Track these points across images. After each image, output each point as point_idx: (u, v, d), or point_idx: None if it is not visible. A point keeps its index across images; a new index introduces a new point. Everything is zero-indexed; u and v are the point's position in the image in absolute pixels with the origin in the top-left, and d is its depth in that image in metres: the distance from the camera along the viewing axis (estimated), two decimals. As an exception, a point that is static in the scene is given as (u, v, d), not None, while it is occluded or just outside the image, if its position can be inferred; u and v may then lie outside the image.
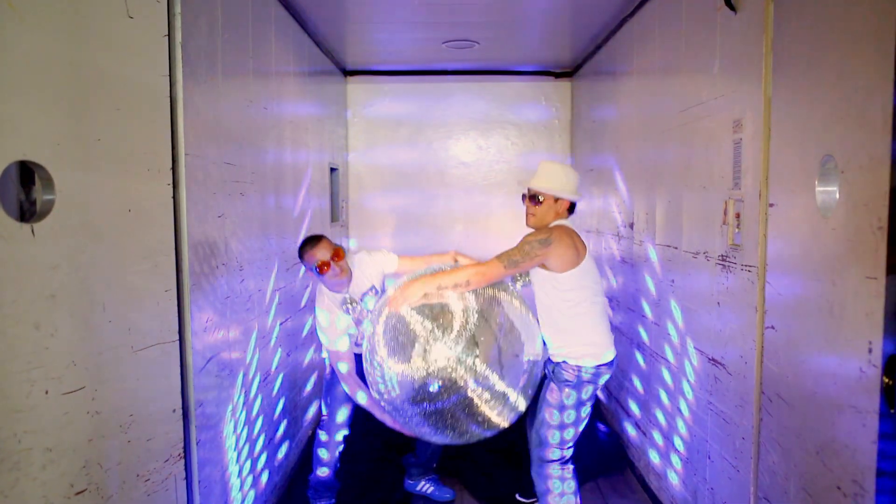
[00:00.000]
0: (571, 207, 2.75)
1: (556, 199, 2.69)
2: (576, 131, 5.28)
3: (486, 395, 2.47)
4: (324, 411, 3.19)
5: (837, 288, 1.66)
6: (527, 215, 2.76)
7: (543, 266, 2.59)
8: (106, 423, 1.76)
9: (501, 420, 2.59)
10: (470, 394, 2.43)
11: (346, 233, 5.30)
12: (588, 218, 4.77)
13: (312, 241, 2.90)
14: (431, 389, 2.41)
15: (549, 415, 2.66)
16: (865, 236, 1.54)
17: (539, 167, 2.79)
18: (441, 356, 2.39)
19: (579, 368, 2.61)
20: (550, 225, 2.67)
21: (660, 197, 3.19)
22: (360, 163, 5.41)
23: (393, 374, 2.44)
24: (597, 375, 2.64)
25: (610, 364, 2.68)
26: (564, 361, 2.63)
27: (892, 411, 1.38)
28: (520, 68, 5.30)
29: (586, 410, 2.69)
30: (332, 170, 4.78)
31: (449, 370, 2.39)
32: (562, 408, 2.64)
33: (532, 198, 2.71)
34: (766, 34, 2.06)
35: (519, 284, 2.87)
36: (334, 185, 4.85)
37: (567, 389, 2.63)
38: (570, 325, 2.63)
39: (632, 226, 3.69)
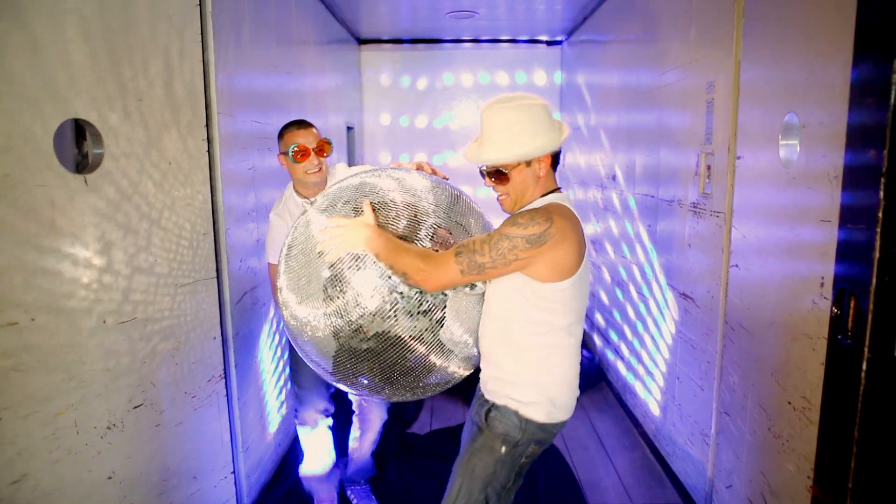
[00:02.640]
0: (555, 159, 1.55)
1: (530, 162, 1.50)
2: (565, 94, 5.18)
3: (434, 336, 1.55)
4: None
5: (795, 231, 1.66)
6: (498, 200, 1.59)
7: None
8: (156, 347, 1.79)
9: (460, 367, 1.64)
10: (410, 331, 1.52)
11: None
12: (575, 171, 4.73)
13: (299, 122, 2.14)
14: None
15: (470, 482, 1.55)
16: (822, 184, 1.52)
17: (484, 120, 1.52)
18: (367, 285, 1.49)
19: (527, 422, 1.52)
20: (541, 202, 1.52)
21: (639, 152, 3.16)
22: (374, 122, 5.35)
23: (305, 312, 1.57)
24: (548, 435, 1.57)
25: (564, 423, 1.59)
26: (507, 406, 1.53)
27: (837, 337, 1.40)
28: (515, 37, 5.18)
29: (519, 481, 1.62)
30: (349, 128, 4.73)
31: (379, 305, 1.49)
32: (491, 475, 1.54)
33: (493, 174, 1.53)
34: (738, 1, 2.00)
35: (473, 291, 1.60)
36: (351, 142, 4.81)
37: (504, 447, 1.53)
38: (532, 356, 1.52)
39: (613, 177, 3.66)
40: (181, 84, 1.88)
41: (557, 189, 1.58)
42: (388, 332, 1.51)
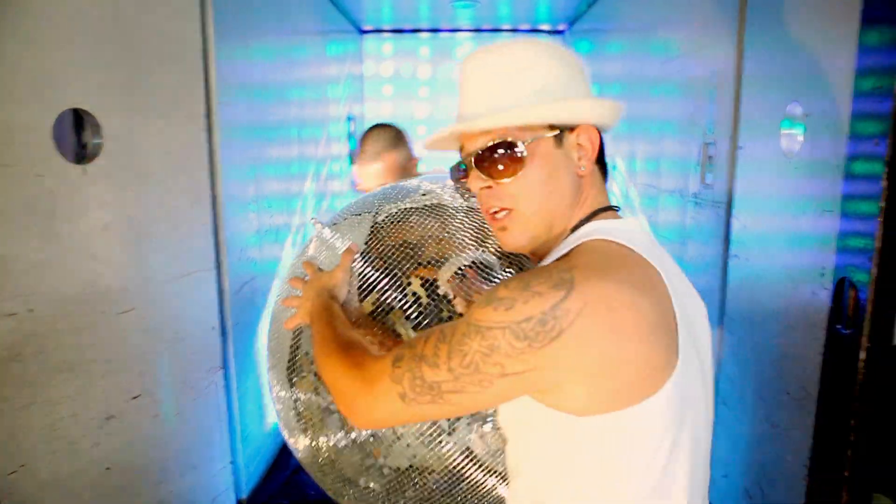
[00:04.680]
0: (602, 154, 0.91)
1: (559, 133, 0.83)
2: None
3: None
4: None
5: (796, 220, 1.65)
6: (492, 221, 0.88)
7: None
8: (155, 338, 1.79)
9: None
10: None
11: (362, 176, 5.26)
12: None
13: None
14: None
15: None
16: (823, 174, 1.51)
17: (469, 74, 0.88)
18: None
19: None
20: (585, 237, 0.81)
21: (640, 141, 3.14)
22: (376, 112, 5.33)
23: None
24: None
25: None
26: None
27: (836, 326, 1.39)
28: (516, 26, 5.15)
29: None
30: (350, 119, 4.71)
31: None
32: None
33: (491, 156, 0.83)
34: (742, -10, 1.98)
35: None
36: (352, 131, 4.80)
37: None
38: None
39: (614, 168, 3.65)
40: (181, 72, 1.87)
41: (612, 209, 0.88)
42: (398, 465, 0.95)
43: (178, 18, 1.86)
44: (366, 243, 1.08)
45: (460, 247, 1.03)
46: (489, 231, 1.08)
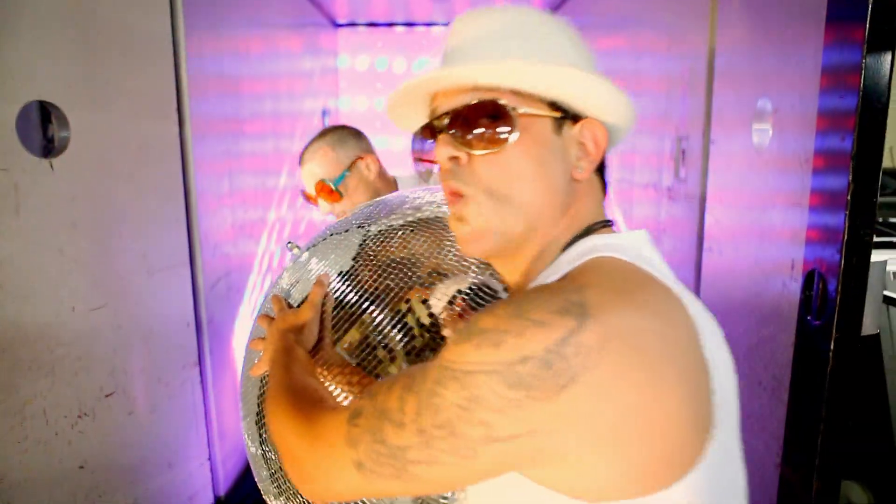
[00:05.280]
0: (602, 166, 0.72)
1: (561, 117, 0.65)
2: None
3: None
4: None
5: (767, 214, 1.68)
6: (450, 217, 0.67)
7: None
8: (128, 335, 1.76)
9: None
10: None
11: (338, 171, 5.23)
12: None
13: (300, 157, 1.70)
14: None
15: None
16: (793, 168, 1.54)
17: (458, 32, 0.70)
18: None
19: None
20: (578, 257, 0.61)
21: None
22: (351, 108, 5.29)
23: None
24: None
25: None
26: None
27: (806, 318, 1.42)
28: (493, 21, 5.15)
29: None
30: (325, 113, 4.67)
31: None
32: None
33: (459, 121, 0.63)
34: (715, -14, 2.01)
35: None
36: (324, 123, 4.76)
37: None
38: None
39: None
40: (151, 65, 1.83)
41: (608, 224, 0.70)
42: None
43: (147, 10, 1.82)
44: (353, 261, 0.91)
45: (461, 267, 0.84)
46: None
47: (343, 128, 1.74)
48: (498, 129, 0.62)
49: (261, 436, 0.94)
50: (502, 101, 0.62)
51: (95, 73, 1.63)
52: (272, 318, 0.93)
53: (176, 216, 1.94)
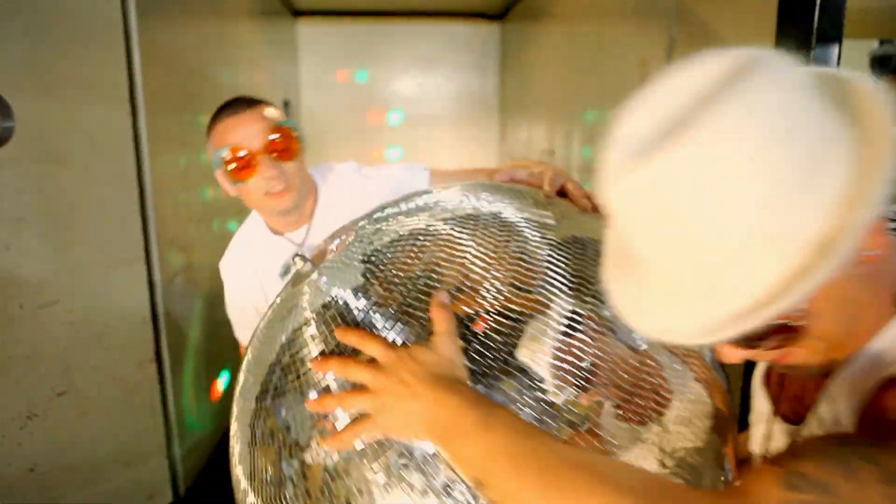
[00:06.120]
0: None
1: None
2: (505, 68, 5.19)
3: None
4: None
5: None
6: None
7: None
8: (82, 332, 1.70)
9: None
10: None
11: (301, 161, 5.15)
12: (513, 146, 4.75)
13: (233, 104, 1.28)
14: None
15: None
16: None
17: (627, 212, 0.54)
18: None
19: None
20: None
21: (577, 127, 3.20)
22: (312, 97, 5.21)
23: None
24: None
25: None
26: None
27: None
28: (456, 11, 5.13)
29: None
30: (286, 104, 4.60)
31: None
32: None
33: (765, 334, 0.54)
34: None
35: None
36: (288, 117, 4.68)
37: None
38: None
39: (552, 153, 3.70)
40: (101, 51, 1.77)
41: None
42: None
43: (96, -6, 1.76)
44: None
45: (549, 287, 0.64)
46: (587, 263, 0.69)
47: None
48: (793, 327, 0.56)
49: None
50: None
51: (41, 59, 1.57)
52: (365, 364, 0.64)
53: (130, 207, 1.88)
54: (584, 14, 3.08)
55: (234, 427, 0.84)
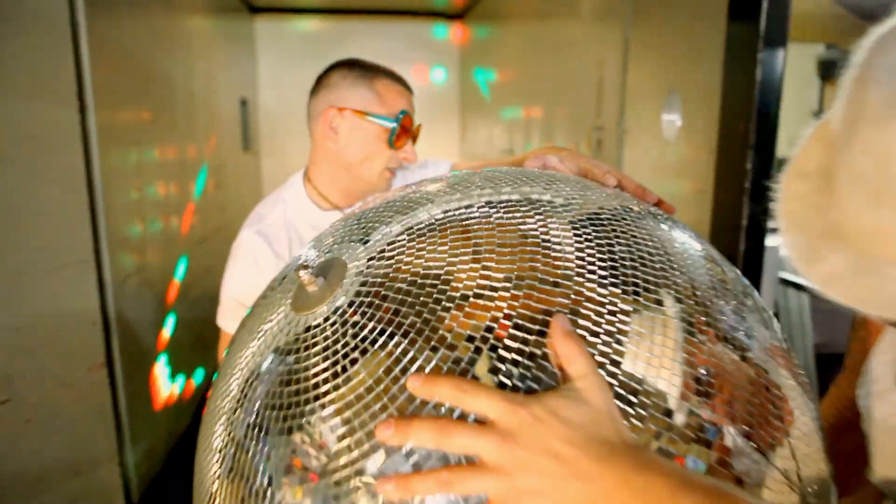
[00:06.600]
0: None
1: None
2: (465, 66, 5.21)
3: None
4: None
5: (675, 200, 1.75)
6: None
7: None
8: (27, 337, 1.64)
9: None
10: None
11: (258, 161, 5.07)
12: (473, 145, 4.78)
13: (398, 79, 1.29)
14: None
15: None
16: (699, 157, 1.61)
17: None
18: None
19: None
20: None
21: (535, 124, 3.23)
22: (270, 96, 5.13)
23: None
24: None
25: None
26: None
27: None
28: (417, 9, 5.13)
29: None
30: (243, 103, 4.51)
31: None
32: None
33: None
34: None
35: None
36: (245, 116, 4.59)
37: None
38: None
39: (511, 151, 3.73)
40: (46, 47, 1.71)
41: None
42: None
43: (40, -14, 1.70)
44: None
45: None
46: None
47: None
48: None
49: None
50: None
51: (-20, 54, 1.51)
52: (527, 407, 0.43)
53: (78, 207, 1.82)
54: (541, 15, 3.12)
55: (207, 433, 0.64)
